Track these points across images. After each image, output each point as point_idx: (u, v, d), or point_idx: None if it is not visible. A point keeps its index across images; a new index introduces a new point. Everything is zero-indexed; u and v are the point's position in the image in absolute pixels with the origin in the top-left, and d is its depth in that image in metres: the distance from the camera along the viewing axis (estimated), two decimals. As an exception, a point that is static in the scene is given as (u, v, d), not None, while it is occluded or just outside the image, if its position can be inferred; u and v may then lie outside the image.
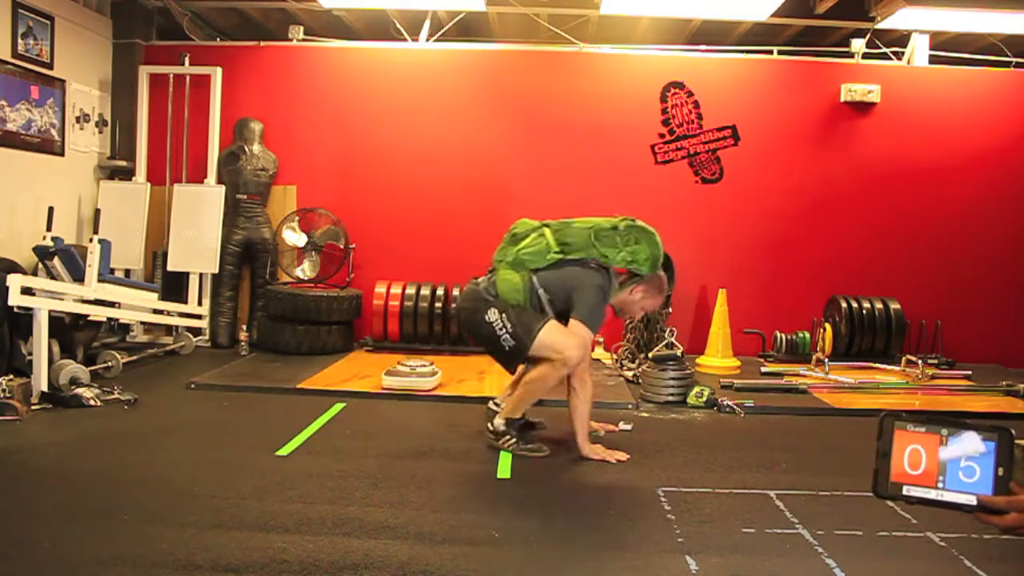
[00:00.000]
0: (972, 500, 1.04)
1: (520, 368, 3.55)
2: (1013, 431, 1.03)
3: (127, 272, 5.74)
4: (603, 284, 3.35)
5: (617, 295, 3.47)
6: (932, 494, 1.06)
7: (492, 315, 3.32)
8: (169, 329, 5.80)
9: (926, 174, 6.15)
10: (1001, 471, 1.03)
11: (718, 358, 5.54)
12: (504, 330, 3.30)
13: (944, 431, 1.05)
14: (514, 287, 3.34)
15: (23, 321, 4.09)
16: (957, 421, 1.06)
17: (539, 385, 3.35)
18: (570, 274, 3.35)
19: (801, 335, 5.86)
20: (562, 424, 3.79)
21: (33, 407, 3.81)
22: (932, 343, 6.00)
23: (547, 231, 3.42)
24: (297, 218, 6.04)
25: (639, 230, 3.40)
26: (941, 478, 1.05)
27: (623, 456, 3.35)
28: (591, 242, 3.35)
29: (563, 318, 3.36)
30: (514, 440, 3.41)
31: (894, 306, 5.85)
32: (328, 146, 6.20)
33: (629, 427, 3.87)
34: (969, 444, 1.04)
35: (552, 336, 3.27)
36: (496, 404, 3.56)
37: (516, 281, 3.35)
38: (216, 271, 5.82)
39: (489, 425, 3.47)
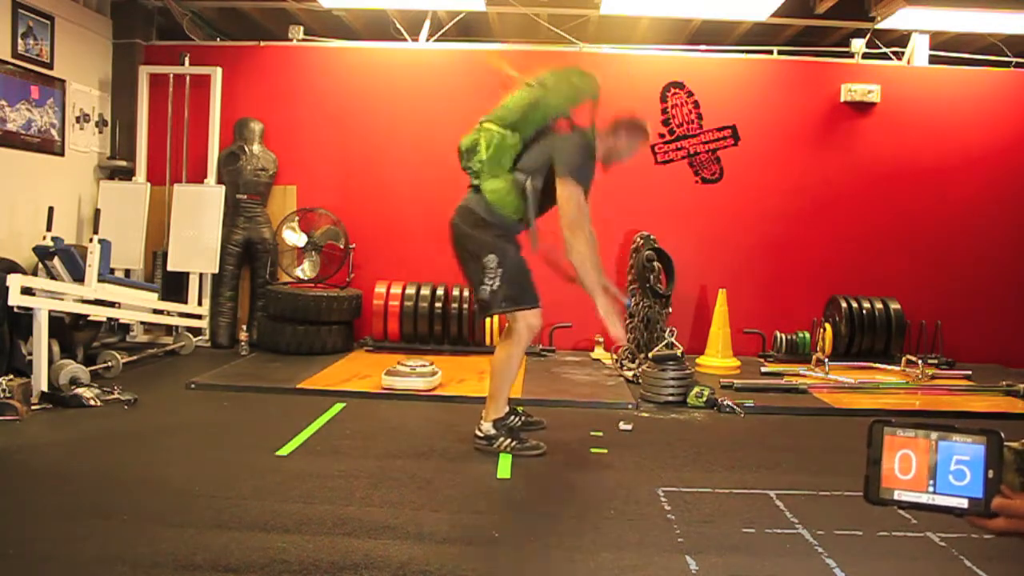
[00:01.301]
0: (963, 503, 1.04)
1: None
2: (1002, 434, 1.03)
3: (127, 272, 5.74)
4: (576, 138, 3.29)
5: (599, 146, 3.36)
6: (923, 498, 1.06)
7: (491, 262, 3.26)
8: (169, 329, 5.80)
9: (926, 174, 6.15)
10: (991, 474, 1.03)
11: (718, 358, 5.54)
12: (491, 283, 3.25)
13: (933, 435, 1.06)
14: (503, 192, 3.27)
15: (23, 321, 4.09)
16: (946, 425, 1.06)
17: (504, 368, 3.36)
18: (543, 146, 3.29)
19: (801, 335, 5.86)
20: (562, 424, 3.80)
21: (33, 407, 3.81)
22: (932, 343, 6.00)
23: (489, 125, 3.35)
24: (297, 218, 6.04)
25: (561, 71, 3.39)
26: (931, 482, 1.05)
27: (622, 335, 3.28)
28: (534, 107, 3.30)
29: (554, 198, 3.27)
30: (508, 440, 3.39)
31: (894, 306, 5.85)
32: (328, 146, 6.19)
33: (629, 427, 3.87)
34: (958, 448, 1.04)
35: (521, 319, 3.29)
36: (482, 414, 3.50)
37: (502, 186, 3.28)
38: (216, 271, 5.82)
39: (477, 432, 3.44)
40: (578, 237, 3.18)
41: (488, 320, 5.74)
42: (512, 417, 3.48)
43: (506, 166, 3.31)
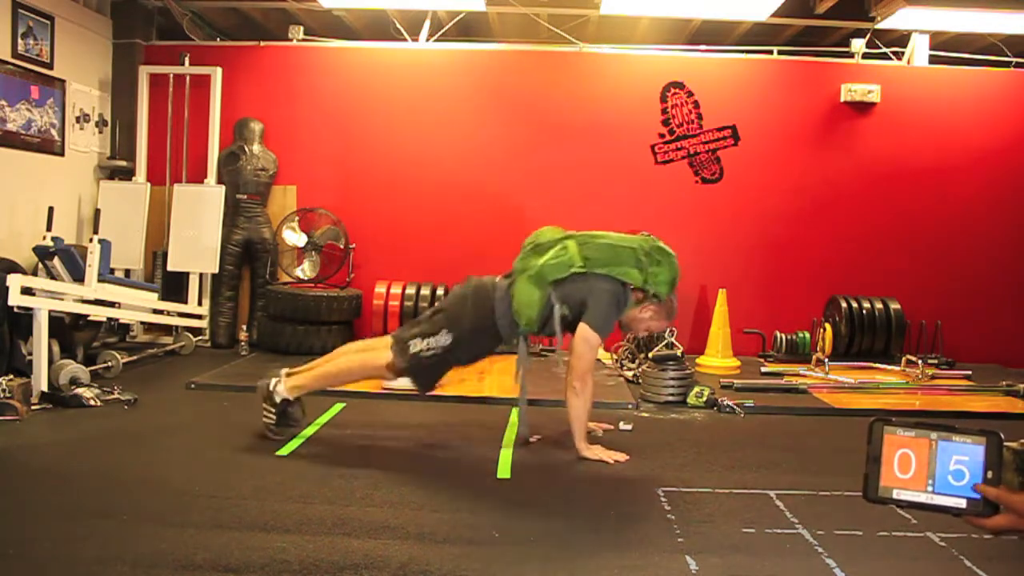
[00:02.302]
0: (961, 503, 1.04)
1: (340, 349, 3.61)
2: (1001, 434, 1.04)
3: (127, 272, 5.73)
4: (618, 295, 3.34)
5: (628, 311, 3.45)
6: (922, 498, 1.06)
7: (444, 337, 3.30)
8: (169, 329, 5.80)
9: (926, 174, 6.15)
10: (990, 474, 1.03)
11: (718, 358, 5.54)
12: (426, 349, 3.30)
13: (933, 435, 1.06)
14: (531, 302, 3.31)
15: (23, 321, 4.09)
16: (946, 425, 1.06)
17: (343, 373, 3.46)
18: (586, 286, 3.33)
19: (801, 335, 5.86)
20: (562, 424, 3.79)
21: (33, 407, 3.81)
22: (932, 343, 6.00)
23: (571, 243, 3.37)
24: (297, 218, 6.04)
25: (661, 252, 3.39)
26: (930, 482, 1.05)
27: (622, 457, 3.34)
28: (614, 259, 3.33)
29: (571, 327, 3.36)
30: (272, 414, 3.39)
31: (894, 306, 5.85)
32: (328, 146, 6.19)
33: (629, 427, 3.87)
34: (958, 448, 1.05)
35: (381, 367, 3.39)
36: (286, 374, 3.46)
37: (535, 298, 3.31)
38: (216, 271, 5.82)
39: (273, 387, 3.40)
40: (585, 389, 3.31)
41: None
42: (295, 406, 3.45)
43: (550, 284, 3.33)
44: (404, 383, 4.39)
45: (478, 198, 6.13)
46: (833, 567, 2.31)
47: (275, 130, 6.13)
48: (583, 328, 3.29)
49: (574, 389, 3.33)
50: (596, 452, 3.35)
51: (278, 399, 3.40)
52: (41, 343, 3.95)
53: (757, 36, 6.54)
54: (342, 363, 3.48)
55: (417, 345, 3.32)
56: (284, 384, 3.41)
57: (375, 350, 3.48)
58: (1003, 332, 6.12)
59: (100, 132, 5.98)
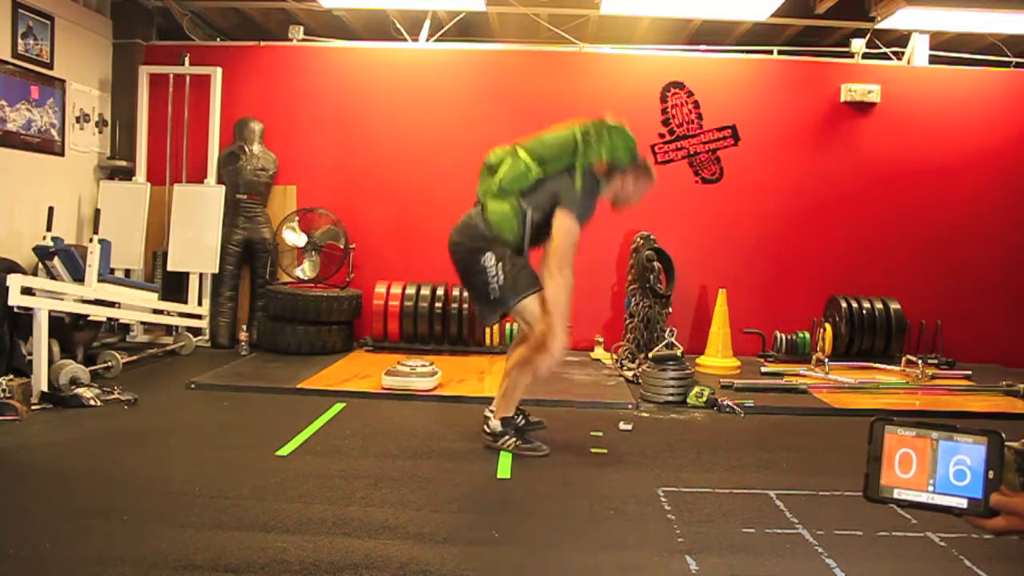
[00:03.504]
0: (962, 503, 1.04)
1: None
2: (1003, 434, 1.03)
3: (127, 272, 5.73)
4: (586, 184, 3.30)
5: (607, 189, 3.41)
6: (923, 497, 1.06)
7: (488, 260, 3.27)
8: (169, 329, 5.80)
9: (926, 174, 6.15)
10: (991, 474, 1.03)
11: (718, 358, 5.54)
12: (496, 280, 3.26)
13: (934, 434, 1.06)
14: (505, 216, 3.29)
15: (23, 321, 4.09)
16: (947, 425, 1.06)
17: (521, 372, 3.37)
18: (555, 185, 3.31)
19: (801, 335, 5.86)
20: (562, 424, 3.80)
21: (33, 407, 3.81)
22: (932, 343, 6.00)
23: (521, 151, 3.37)
24: (297, 218, 6.04)
25: (608, 128, 3.37)
26: (931, 481, 1.05)
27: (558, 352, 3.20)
28: (567, 152, 3.32)
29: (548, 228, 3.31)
30: (513, 439, 3.40)
31: (894, 306, 5.85)
32: (328, 146, 6.19)
33: (629, 427, 3.87)
34: (959, 447, 1.04)
35: (534, 307, 3.24)
36: (491, 410, 3.51)
37: (506, 210, 3.30)
38: (216, 271, 5.82)
39: (485, 428, 3.46)
40: (562, 273, 3.20)
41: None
42: (517, 417, 3.49)
43: (515, 193, 3.32)
44: (404, 383, 4.42)
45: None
46: (833, 567, 2.31)
47: (275, 130, 6.13)
48: (559, 215, 3.23)
49: (549, 271, 3.22)
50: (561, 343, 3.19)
51: (502, 427, 3.41)
52: (41, 343, 3.96)
53: (757, 36, 6.54)
54: (514, 366, 3.42)
55: (495, 288, 3.25)
56: (496, 418, 3.43)
57: (517, 345, 3.45)
58: (1003, 332, 6.12)
59: (100, 132, 5.98)
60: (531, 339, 3.28)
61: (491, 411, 3.49)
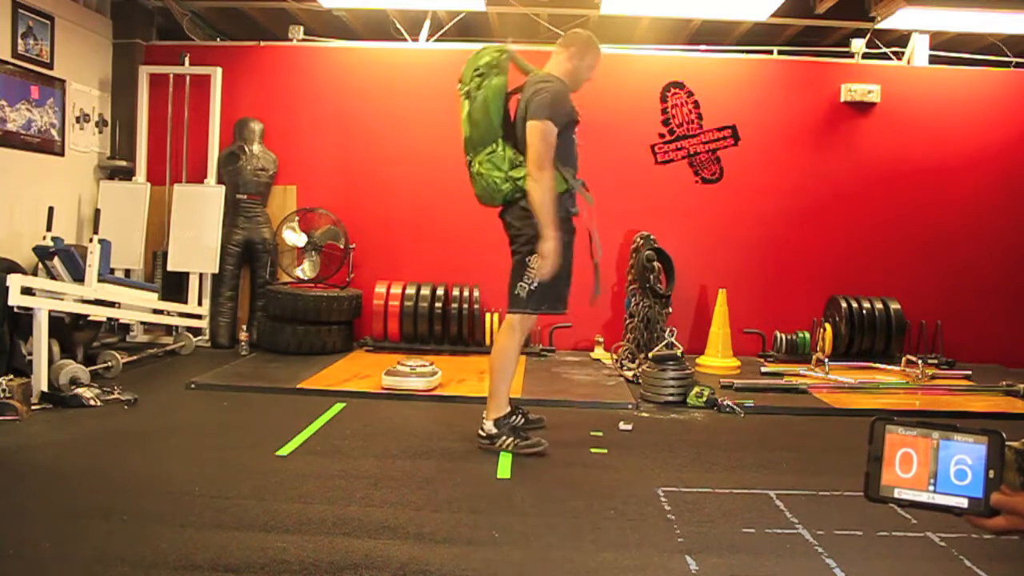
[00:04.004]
0: (963, 503, 1.04)
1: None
2: (1004, 434, 1.03)
3: (127, 272, 5.73)
4: (539, 85, 3.32)
5: (561, 78, 3.41)
6: (923, 497, 1.06)
7: (533, 262, 3.30)
8: (169, 329, 5.80)
9: (926, 174, 6.15)
10: (992, 473, 1.03)
11: (718, 358, 5.54)
12: (529, 281, 3.31)
13: (935, 434, 1.06)
14: (494, 178, 3.40)
15: (23, 321, 4.09)
16: (948, 424, 1.06)
17: (501, 362, 3.41)
18: (520, 118, 3.35)
19: (801, 335, 5.86)
20: (562, 424, 3.80)
21: (33, 407, 3.81)
22: (932, 343, 6.00)
23: (481, 167, 3.45)
24: (297, 218, 6.04)
25: (470, 75, 3.43)
26: (932, 481, 1.05)
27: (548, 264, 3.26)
28: (497, 95, 3.39)
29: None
30: (510, 439, 3.40)
31: (894, 306, 5.85)
32: (328, 146, 6.19)
33: (629, 427, 3.87)
34: (960, 447, 1.04)
35: (528, 321, 3.39)
36: (484, 414, 3.51)
37: (498, 176, 3.38)
38: (216, 271, 5.82)
39: (480, 431, 3.45)
40: (543, 176, 3.22)
41: (489, 317, 5.75)
42: (515, 416, 3.49)
43: (503, 170, 3.38)
44: (404, 383, 4.42)
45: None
46: (833, 567, 2.31)
47: (275, 130, 6.13)
48: (530, 123, 3.25)
49: (532, 177, 3.24)
50: (551, 248, 3.23)
51: (496, 428, 3.42)
52: (41, 343, 3.96)
53: (757, 36, 6.54)
54: (492, 362, 3.48)
55: (525, 288, 3.33)
56: (489, 419, 3.44)
57: (500, 334, 3.51)
58: (1003, 332, 6.11)
59: (100, 132, 5.98)
60: (503, 325, 3.41)
61: (484, 414, 3.48)
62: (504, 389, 3.45)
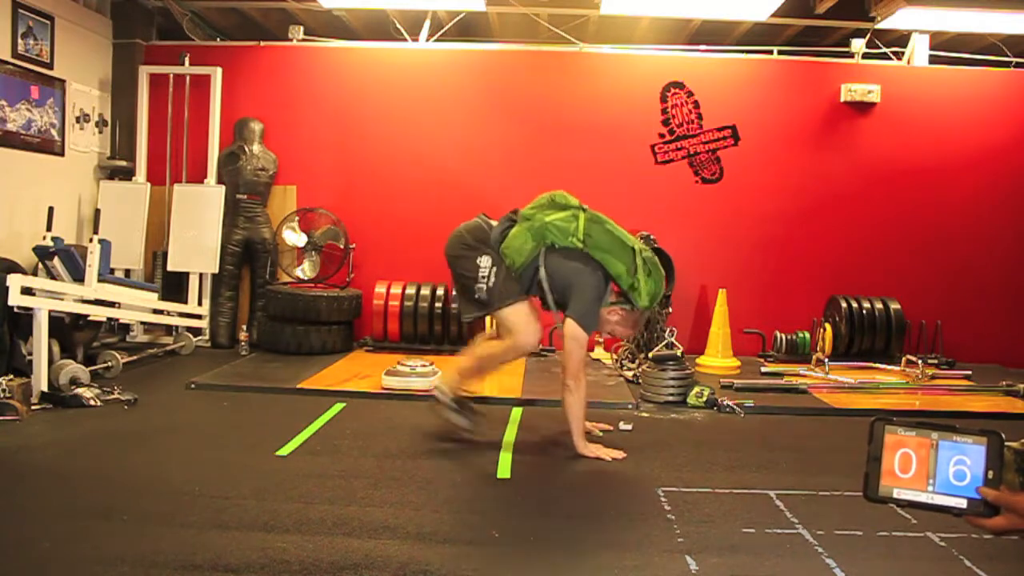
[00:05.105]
0: (962, 503, 1.04)
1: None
2: (1003, 434, 1.03)
3: (127, 272, 5.73)
4: (599, 290, 3.37)
5: (605, 307, 3.46)
6: (922, 497, 1.06)
7: (484, 261, 3.37)
8: (169, 329, 5.80)
9: (926, 174, 6.15)
10: (991, 474, 1.03)
11: (718, 358, 5.54)
12: (484, 281, 3.35)
13: (934, 435, 1.06)
14: (520, 250, 3.35)
15: (23, 321, 4.09)
16: (947, 425, 1.06)
17: (490, 362, 3.51)
18: (575, 270, 3.35)
19: (801, 335, 5.86)
20: (562, 424, 3.79)
21: (33, 407, 3.81)
22: (932, 343, 6.00)
23: (582, 216, 3.40)
24: (297, 218, 6.04)
25: (655, 265, 3.41)
26: (931, 481, 1.05)
27: (619, 454, 3.35)
28: (611, 250, 3.35)
29: (545, 303, 3.45)
30: (451, 405, 3.46)
31: (894, 306, 5.85)
32: (328, 146, 6.19)
33: (629, 427, 3.87)
34: (959, 447, 1.05)
35: (516, 317, 3.37)
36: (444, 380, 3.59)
37: (527, 248, 3.35)
38: (216, 271, 5.82)
39: (437, 388, 3.53)
40: (579, 387, 3.34)
41: (489, 317, 5.74)
42: (466, 404, 3.54)
43: (546, 242, 3.38)
44: (404, 383, 4.42)
45: (478, 198, 6.10)
46: (833, 567, 2.31)
47: (275, 130, 6.13)
48: (570, 326, 3.31)
49: (568, 388, 3.35)
50: (594, 450, 3.37)
51: (448, 394, 3.48)
52: (41, 343, 3.96)
53: (757, 36, 6.54)
54: (487, 351, 3.54)
55: (480, 289, 3.38)
56: (447, 386, 3.51)
57: (484, 345, 3.59)
58: (1003, 332, 6.12)
59: (100, 132, 5.98)
60: (506, 342, 3.42)
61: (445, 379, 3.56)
62: (472, 379, 3.57)
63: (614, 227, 3.44)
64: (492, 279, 3.35)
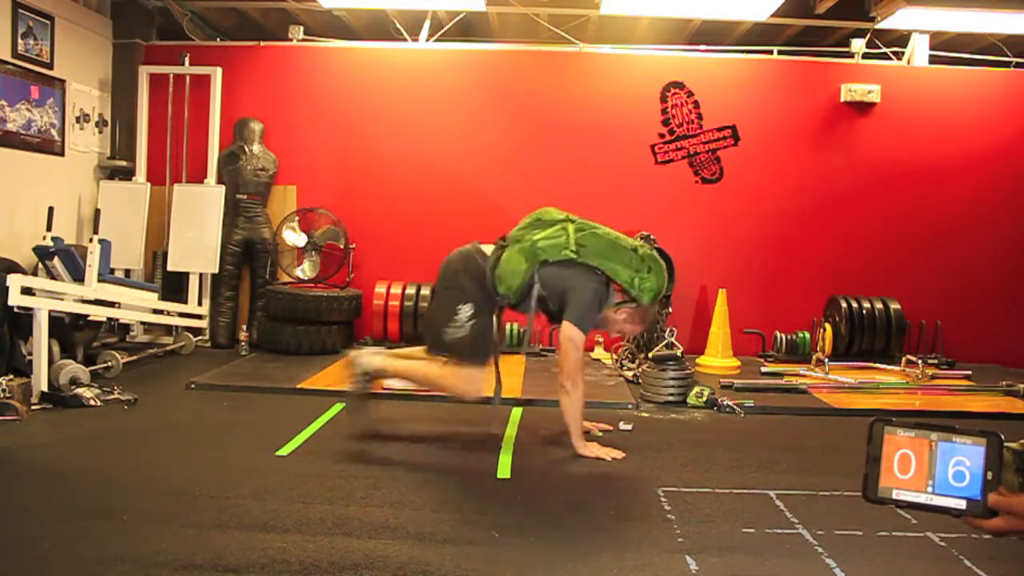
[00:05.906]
0: (961, 504, 1.04)
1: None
2: (1002, 435, 1.03)
3: (127, 272, 5.73)
4: (599, 291, 3.36)
5: (606, 308, 3.46)
6: (921, 498, 1.06)
7: (464, 311, 3.33)
8: (169, 329, 5.80)
9: (926, 174, 6.15)
10: (990, 475, 1.03)
11: (718, 358, 5.54)
12: (458, 330, 3.32)
13: (933, 435, 1.06)
14: (515, 272, 3.34)
15: (23, 321, 4.09)
16: (947, 425, 1.06)
17: (426, 382, 3.52)
18: (570, 275, 3.35)
19: (801, 335, 5.86)
20: (562, 424, 3.79)
21: (33, 407, 3.81)
22: (932, 343, 6.00)
23: (570, 227, 3.39)
24: (297, 218, 6.04)
25: (654, 260, 3.41)
26: (930, 482, 1.05)
27: (618, 454, 3.35)
28: (607, 255, 3.35)
29: (552, 318, 3.44)
30: (362, 379, 3.45)
31: (894, 306, 5.85)
32: (328, 146, 6.19)
33: (629, 427, 3.87)
34: (958, 448, 1.04)
35: (472, 372, 3.35)
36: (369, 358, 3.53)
37: (522, 269, 3.34)
38: (216, 271, 5.82)
39: (355, 361, 3.48)
40: (576, 388, 3.33)
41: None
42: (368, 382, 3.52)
43: (540, 261, 3.36)
44: (404, 383, 4.41)
45: (478, 198, 6.12)
46: (833, 567, 2.31)
47: (275, 130, 6.13)
48: (566, 327, 3.30)
49: (564, 389, 3.34)
50: (593, 450, 3.37)
51: (366, 369, 3.47)
52: (41, 343, 3.96)
53: (757, 36, 6.54)
54: (428, 372, 3.49)
55: (449, 333, 3.35)
56: (372, 363, 3.49)
57: (430, 363, 3.52)
58: (1003, 332, 6.12)
59: (100, 132, 5.98)
60: (451, 380, 3.38)
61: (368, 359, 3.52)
62: (401, 381, 3.65)
63: (606, 231, 3.44)
64: (463, 331, 3.32)
